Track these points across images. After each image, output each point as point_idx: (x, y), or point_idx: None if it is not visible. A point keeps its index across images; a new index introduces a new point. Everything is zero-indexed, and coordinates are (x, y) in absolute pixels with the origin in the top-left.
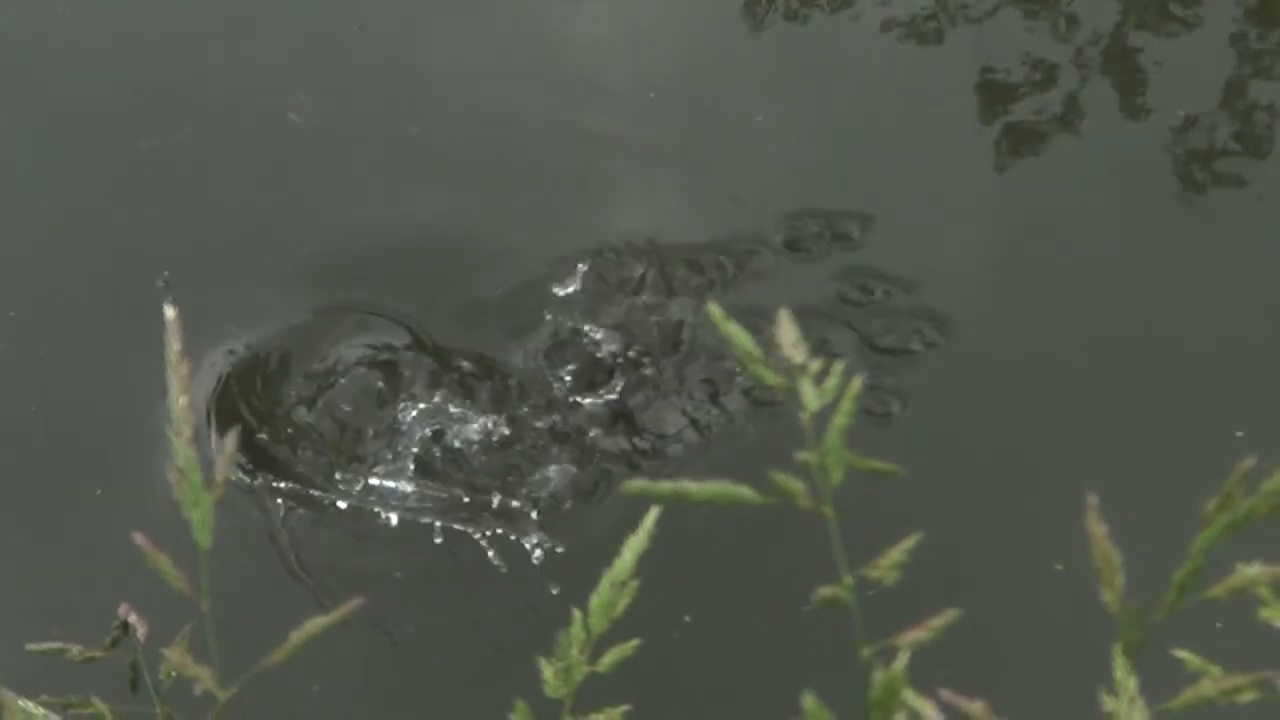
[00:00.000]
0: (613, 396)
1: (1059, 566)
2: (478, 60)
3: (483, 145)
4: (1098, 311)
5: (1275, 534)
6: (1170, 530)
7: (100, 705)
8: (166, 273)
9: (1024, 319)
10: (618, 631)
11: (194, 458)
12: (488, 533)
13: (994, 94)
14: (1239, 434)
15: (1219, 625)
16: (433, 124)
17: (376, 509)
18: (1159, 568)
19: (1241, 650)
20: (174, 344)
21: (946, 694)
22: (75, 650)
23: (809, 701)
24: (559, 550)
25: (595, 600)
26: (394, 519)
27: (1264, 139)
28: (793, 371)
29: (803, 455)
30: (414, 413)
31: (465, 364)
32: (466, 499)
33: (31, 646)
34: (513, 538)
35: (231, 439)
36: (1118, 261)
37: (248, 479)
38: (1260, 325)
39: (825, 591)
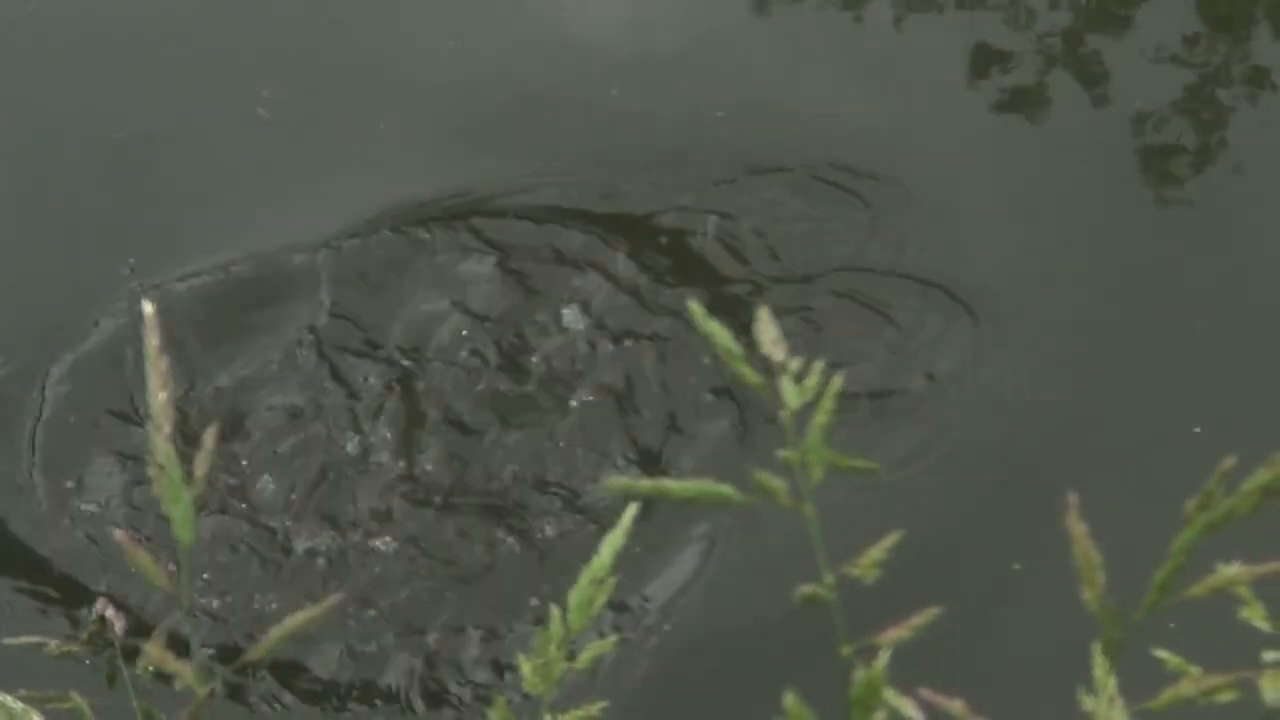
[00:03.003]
0: None
1: (1015, 566)
2: (451, 56)
3: (452, 140)
4: (1056, 308)
5: (1235, 533)
6: (1133, 525)
7: (79, 700)
8: (132, 260)
9: (987, 316)
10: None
11: (173, 454)
12: None
13: (981, 63)
14: (1197, 430)
15: (1172, 626)
16: (403, 118)
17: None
18: (1125, 563)
19: (1198, 652)
20: (152, 339)
21: (926, 692)
22: (53, 644)
23: (789, 700)
24: None
25: (574, 597)
26: None
27: (1217, 137)
28: (773, 369)
29: (784, 453)
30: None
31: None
32: None
33: (9, 641)
34: None
35: (210, 436)
36: (1076, 258)
37: None
38: (1216, 321)
39: (806, 589)
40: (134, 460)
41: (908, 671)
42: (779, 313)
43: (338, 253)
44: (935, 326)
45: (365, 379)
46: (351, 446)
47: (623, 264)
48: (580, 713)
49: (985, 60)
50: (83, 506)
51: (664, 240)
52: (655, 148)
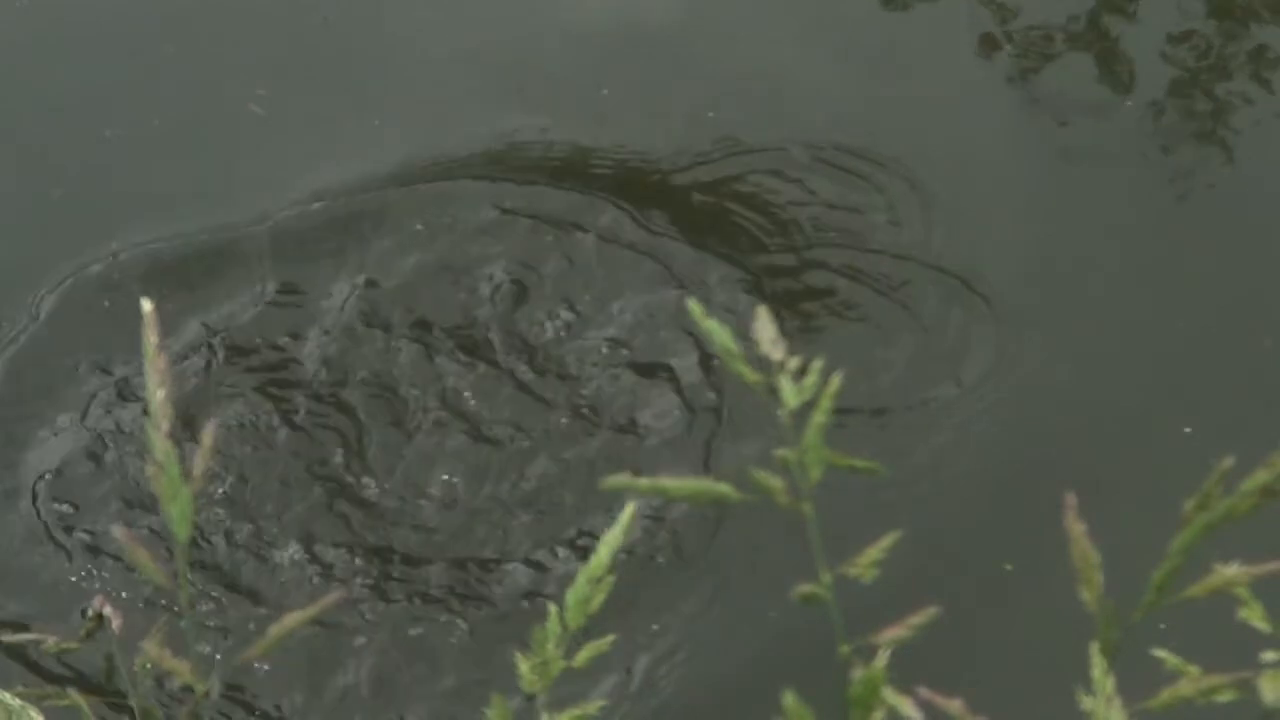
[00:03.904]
0: None
1: (1008, 567)
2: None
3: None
4: (1047, 306)
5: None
6: (1128, 525)
7: (76, 697)
8: (115, 245)
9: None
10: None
11: (173, 451)
12: None
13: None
14: (1187, 430)
15: (1163, 626)
16: (399, 116)
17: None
18: (1118, 564)
19: (1187, 653)
20: (151, 337)
21: (924, 692)
22: (50, 642)
23: (789, 699)
24: None
25: (571, 596)
26: None
27: (1211, 131)
28: (772, 368)
29: (781, 452)
30: None
31: None
32: None
33: (6, 638)
34: None
35: (209, 433)
36: (1067, 257)
37: None
38: (1207, 320)
39: (804, 588)
40: (88, 455)
41: (902, 671)
42: (795, 298)
43: (297, 219)
44: (957, 326)
45: (351, 368)
46: (337, 455)
47: (631, 230)
48: (578, 711)
49: (992, 46)
50: (33, 500)
51: (675, 212)
52: (654, 132)
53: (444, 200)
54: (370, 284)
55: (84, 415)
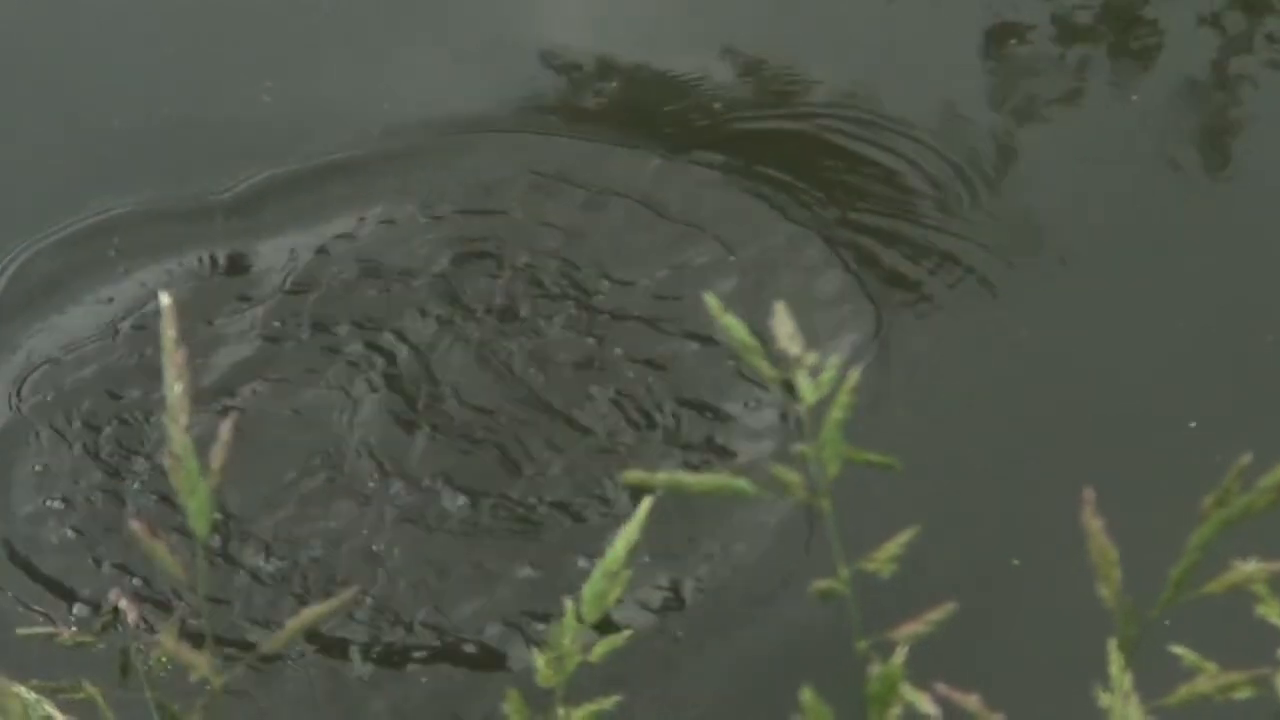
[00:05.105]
0: None
1: (1015, 562)
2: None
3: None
4: (1048, 304)
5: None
6: (1129, 523)
7: (91, 690)
8: (116, 239)
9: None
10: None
11: (190, 445)
12: None
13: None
14: (1192, 425)
15: (1167, 623)
16: (399, 112)
17: None
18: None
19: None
20: (170, 330)
21: (942, 688)
22: (66, 634)
23: (807, 696)
24: None
25: (588, 590)
26: None
27: (1214, 128)
28: (790, 364)
29: (799, 448)
30: None
31: None
32: None
33: (22, 631)
34: None
35: (227, 426)
36: (1068, 255)
37: None
38: (1208, 316)
39: (821, 584)
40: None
41: (909, 668)
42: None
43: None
44: (962, 321)
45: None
46: (340, 428)
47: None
48: (594, 706)
49: (1005, 35)
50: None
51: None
52: (662, 106)
53: (466, 154)
54: (353, 256)
55: (18, 392)
